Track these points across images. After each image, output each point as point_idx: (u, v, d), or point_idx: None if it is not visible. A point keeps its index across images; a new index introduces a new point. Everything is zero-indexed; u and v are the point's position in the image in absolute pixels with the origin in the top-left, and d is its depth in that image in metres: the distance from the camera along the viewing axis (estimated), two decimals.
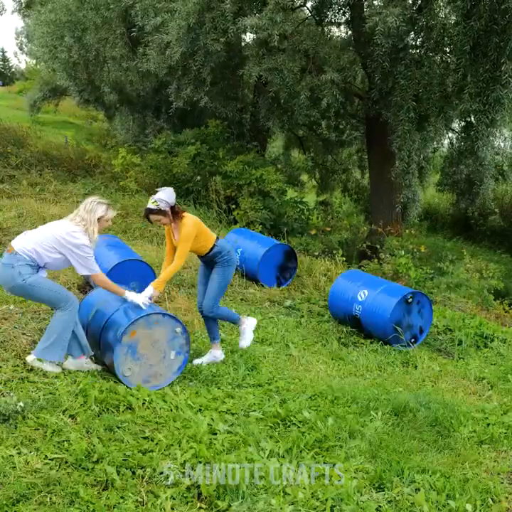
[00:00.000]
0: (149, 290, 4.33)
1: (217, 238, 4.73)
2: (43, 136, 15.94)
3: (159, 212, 4.37)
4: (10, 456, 2.92)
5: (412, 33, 9.26)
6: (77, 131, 22.05)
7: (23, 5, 19.21)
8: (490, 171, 10.79)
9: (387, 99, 9.60)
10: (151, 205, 4.38)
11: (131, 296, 4.16)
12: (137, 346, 4.02)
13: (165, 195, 4.38)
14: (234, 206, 10.64)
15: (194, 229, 4.47)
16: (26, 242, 3.96)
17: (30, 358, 4.00)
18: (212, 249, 4.64)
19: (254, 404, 3.90)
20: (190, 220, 4.48)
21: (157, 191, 4.46)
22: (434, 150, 13.81)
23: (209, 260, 4.75)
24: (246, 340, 4.86)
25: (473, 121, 8.68)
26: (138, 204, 10.35)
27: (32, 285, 3.88)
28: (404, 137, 9.12)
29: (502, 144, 14.08)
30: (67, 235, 3.96)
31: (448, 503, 2.94)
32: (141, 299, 4.15)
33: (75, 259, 3.97)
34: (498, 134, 11.08)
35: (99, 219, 4.02)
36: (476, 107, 8.20)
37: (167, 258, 4.75)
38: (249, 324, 4.90)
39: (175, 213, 4.45)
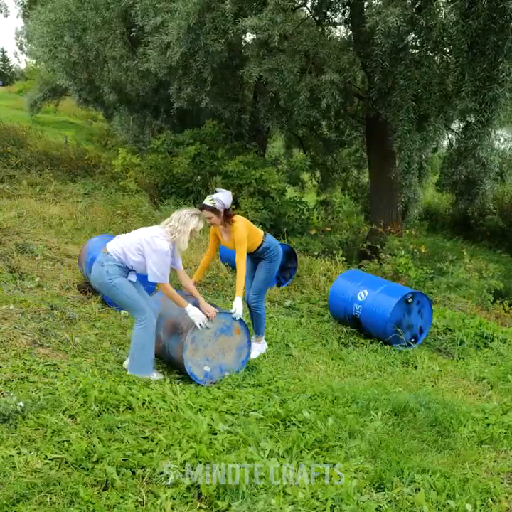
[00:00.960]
0: (239, 302, 4.54)
1: (265, 234, 4.98)
2: (43, 136, 15.95)
3: (213, 210, 4.58)
4: (10, 456, 2.93)
5: (412, 33, 9.25)
6: (77, 131, 22.07)
7: (26, 6, 19.18)
8: (489, 172, 10.78)
9: (386, 99, 9.59)
10: (207, 201, 4.60)
11: (192, 310, 4.24)
12: (217, 339, 4.36)
13: (223, 197, 4.61)
14: (234, 206, 10.63)
15: (246, 230, 4.72)
16: (117, 244, 4.18)
17: (128, 372, 4.21)
18: (260, 245, 4.89)
19: (254, 404, 3.91)
20: (241, 223, 4.72)
21: (216, 191, 4.67)
22: (434, 150, 13.81)
23: (257, 256, 4.99)
24: (253, 352, 5.00)
25: (471, 121, 8.67)
26: (138, 204, 10.35)
27: (116, 287, 4.11)
28: (405, 137, 9.11)
29: (501, 146, 14.07)
30: (150, 239, 4.12)
31: (448, 503, 2.94)
32: (200, 317, 4.22)
33: (149, 263, 4.10)
34: (495, 135, 11.06)
35: (191, 231, 4.21)
36: (472, 105, 8.20)
37: (207, 255, 5.08)
38: (262, 346, 5.20)
39: (227, 216, 4.68)
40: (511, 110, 9.40)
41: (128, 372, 4.20)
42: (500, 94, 7.99)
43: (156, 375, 4.29)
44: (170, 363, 4.54)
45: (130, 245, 4.15)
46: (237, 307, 4.50)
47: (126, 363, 4.33)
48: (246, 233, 4.71)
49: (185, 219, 4.18)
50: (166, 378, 4.33)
